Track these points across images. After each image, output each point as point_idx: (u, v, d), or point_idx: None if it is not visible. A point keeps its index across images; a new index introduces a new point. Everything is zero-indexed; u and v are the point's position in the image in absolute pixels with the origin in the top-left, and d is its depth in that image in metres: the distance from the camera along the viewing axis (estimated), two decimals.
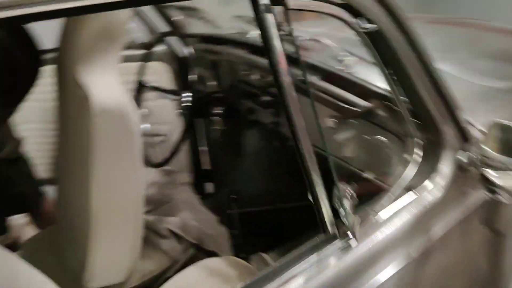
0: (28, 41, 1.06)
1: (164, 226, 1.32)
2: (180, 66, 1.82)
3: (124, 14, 0.90)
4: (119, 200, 0.91)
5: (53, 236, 1.25)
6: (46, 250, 1.25)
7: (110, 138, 0.85)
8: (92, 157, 0.84)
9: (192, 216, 1.40)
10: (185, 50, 1.60)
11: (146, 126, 1.41)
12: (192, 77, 1.36)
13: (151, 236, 1.30)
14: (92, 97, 0.83)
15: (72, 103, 0.95)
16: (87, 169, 0.85)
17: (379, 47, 0.87)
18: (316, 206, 0.74)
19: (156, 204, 1.44)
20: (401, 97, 0.94)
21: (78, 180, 0.97)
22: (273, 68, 0.71)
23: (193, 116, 1.41)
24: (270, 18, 0.70)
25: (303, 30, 1.44)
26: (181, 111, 1.38)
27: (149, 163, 1.43)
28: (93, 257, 0.94)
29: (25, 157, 1.57)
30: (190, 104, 1.36)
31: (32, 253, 1.27)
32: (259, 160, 1.84)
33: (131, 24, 1.10)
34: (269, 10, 0.69)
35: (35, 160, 1.59)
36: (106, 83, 0.85)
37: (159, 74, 1.80)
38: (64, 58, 0.90)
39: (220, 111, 1.50)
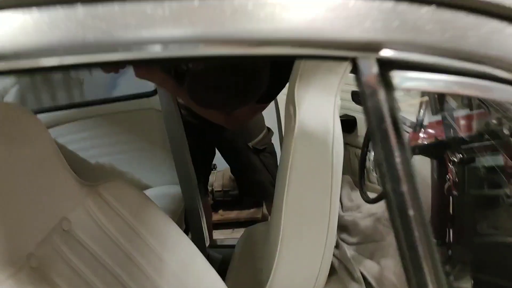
0: None
1: (359, 267, 1.23)
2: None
3: None
4: (307, 227, 0.90)
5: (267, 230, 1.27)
6: (254, 243, 1.33)
7: (305, 163, 0.83)
8: (288, 176, 0.83)
9: (395, 267, 1.20)
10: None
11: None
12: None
13: (340, 271, 1.24)
14: (298, 116, 0.80)
15: (287, 115, 0.94)
16: (284, 186, 0.85)
17: None
18: None
19: (365, 239, 1.37)
20: None
21: (278, 192, 0.97)
22: None
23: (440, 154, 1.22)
24: None
25: None
26: (425, 146, 1.27)
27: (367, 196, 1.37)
28: (277, 277, 0.93)
29: (272, 148, 1.79)
30: (439, 141, 1.22)
31: (246, 240, 1.40)
32: None
33: None
34: None
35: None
36: (317, 104, 0.81)
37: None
38: (294, 69, 0.88)
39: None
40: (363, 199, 1.46)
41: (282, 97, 1.41)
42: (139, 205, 1.09)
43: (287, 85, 0.99)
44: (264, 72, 1.18)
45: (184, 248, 1.11)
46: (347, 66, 0.79)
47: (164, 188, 2.02)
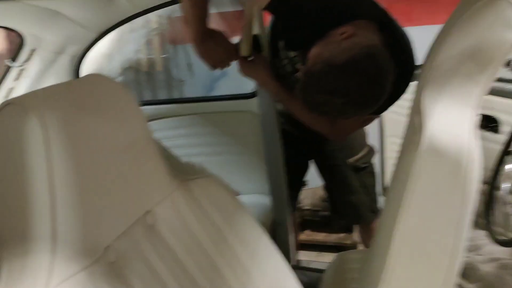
0: (405, 54, 1.07)
1: None
2: None
3: None
4: (420, 265, 0.76)
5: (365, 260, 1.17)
6: (348, 272, 1.23)
7: (429, 185, 0.71)
8: (404, 199, 0.72)
9: None
10: None
11: (506, 186, 1.17)
12: None
13: None
14: (425, 128, 0.70)
15: (410, 127, 0.84)
16: (396, 210, 0.73)
17: None
18: None
19: (487, 285, 1.23)
20: None
21: (388, 216, 0.86)
22: None
23: None
24: None
25: None
26: None
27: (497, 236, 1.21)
28: None
29: (372, 168, 1.67)
30: None
31: (337, 267, 1.28)
32: None
33: None
34: None
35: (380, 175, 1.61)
36: (450, 117, 0.71)
37: None
38: (421, 76, 0.78)
39: None
40: (491, 239, 1.22)
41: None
42: (233, 209, 0.96)
43: None
44: (390, 77, 1.00)
45: (276, 267, 0.96)
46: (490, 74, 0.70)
47: (253, 196, 1.90)
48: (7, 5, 1.41)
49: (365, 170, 1.65)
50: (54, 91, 0.71)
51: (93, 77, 0.79)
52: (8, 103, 0.63)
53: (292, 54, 1.32)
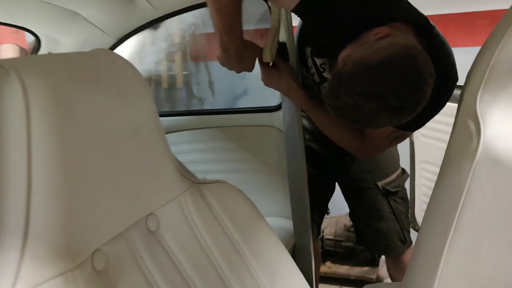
0: (446, 63, 0.99)
1: None
2: None
3: None
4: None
5: None
6: None
7: (489, 201, 0.61)
8: (456, 218, 0.62)
9: None
10: None
11: None
12: None
13: None
14: (482, 136, 0.61)
15: (460, 135, 0.74)
16: (445, 231, 0.63)
17: None
18: None
19: None
20: None
21: (431, 240, 0.73)
22: None
23: None
24: None
25: None
26: None
27: None
28: None
29: (404, 193, 1.54)
30: None
31: None
32: None
33: None
34: None
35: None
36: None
37: None
38: (470, 80, 0.70)
39: None
40: None
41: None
42: (251, 221, 0.82)
43: None
44: (430, 81, 0.86)
45: None
46: None
47: (273, 219, 1.75)
48: (24, 3, 1.35)
49: (396, 195, 1.50)
50: (50, 58, 0.60)
51: (100, 51, 0.67)
52: None
53: (320, 61, 1.21)
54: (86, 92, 0.60)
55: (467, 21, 2.31)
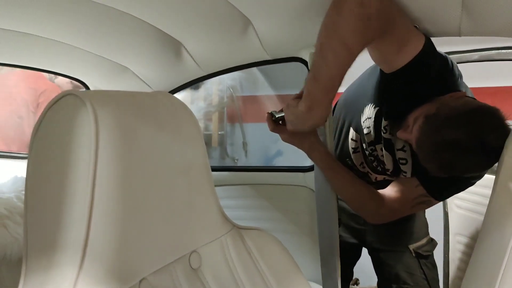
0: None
1: None
2: None
3: None
4: None
5: None
6: None
7: None
8: (502, 271, 0.63)
9: None
10: None
11: None
12: None
13: None
14: None
15: (501, 198, 0.76)
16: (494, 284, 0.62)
17: None
18: None
19: None
20: None
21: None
22: None
23: None
24: None
25: None
26: None
27: None
28: None
29: (433, 261, 1.53)
30: None
31: None
32: None
33: None
34: None
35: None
36: None
37: None
38: (510, 144, 0.75)
39: None
40: None
41: None
42: (287, 270, 0.83)
43: None
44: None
45: None
46: None
47: None
48: (78, 56, 1.46)
49: (428, 260, 1.46)
50: (118, 94, 0.65)
51: (161, 93, 0.73)
52: (69, 93, 0.58)
53: (384, 123, 1.20)
54: (147, 128, 0.64)
55: None
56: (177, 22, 1.21)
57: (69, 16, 1.15)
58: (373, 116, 1.23)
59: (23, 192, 1.03)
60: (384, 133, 1.21)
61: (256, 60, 1.47)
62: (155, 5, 1.10)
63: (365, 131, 1.27)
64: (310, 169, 1.67)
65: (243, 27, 1.19)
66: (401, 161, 1.20)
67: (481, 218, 0.89)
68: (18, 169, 1.88)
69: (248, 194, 1.82)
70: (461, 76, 1.14)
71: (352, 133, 1.33)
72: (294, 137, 1.21)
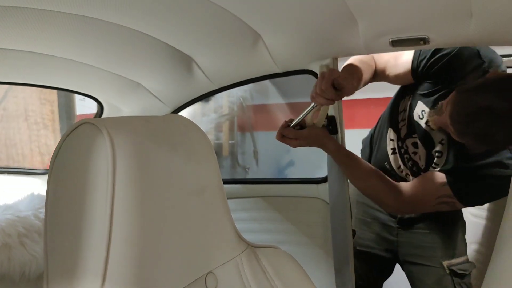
0: None
1: None
2: None
3: None
4: None
5: None
6: None
7: None
8: None
9: None
10: None
11: None
12: None
13: None
14: None
15: None
16: None
17: None
18: None
19: None
20: None
21: None
22: None
23: None
24: None
25: None
26: None
27: None
28: None
29: (470, 282, 1.44)
30: None
31: None
32: None
33: None
34: None
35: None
36: None
37: None
38: None
39: None
40: None
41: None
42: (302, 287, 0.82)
43: None
44: None
45: None
46: None
47: None
48: (91, 73, 1.48)
49: (463, 280, 1.38)
50: (132, 120, 0.66)
51: (174, 116, 0.74)
52: (85, 122, 0.59)
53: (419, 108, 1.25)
54: (162, 152, 0.65)
55: None
56: (188, 38, 1.22)
57: (82, 36, 1.17)
58: (408, 106, 1.26)
59: (40, 210, 1.05)
60: (420, 118, 1.23)
61: (266, 73, 1.48)
62: (166, 23, 1.11)
63: (401, 124, 1.31)
64: (323, 180, 1.67)
65: (253, 41, 1.20)
66: (437, 154, 1.23)
67: (496, 226, 0.88)
68: (33, 185, 1.90)
69: (261, 206, 1.81)
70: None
71: (389, 132, 1.35)
72: (305, 139, 1.27)
